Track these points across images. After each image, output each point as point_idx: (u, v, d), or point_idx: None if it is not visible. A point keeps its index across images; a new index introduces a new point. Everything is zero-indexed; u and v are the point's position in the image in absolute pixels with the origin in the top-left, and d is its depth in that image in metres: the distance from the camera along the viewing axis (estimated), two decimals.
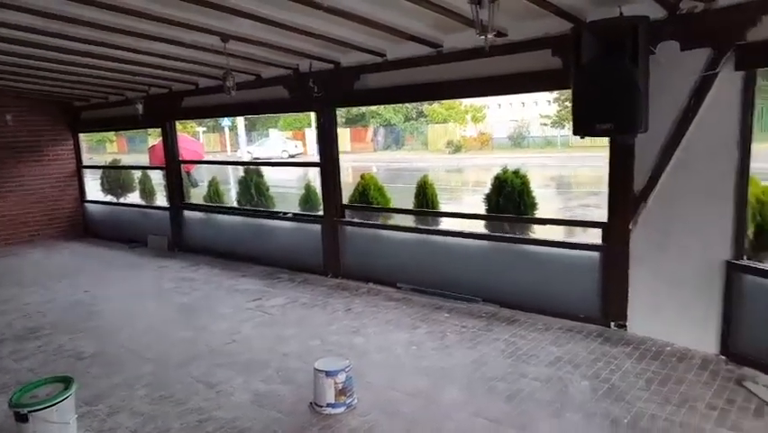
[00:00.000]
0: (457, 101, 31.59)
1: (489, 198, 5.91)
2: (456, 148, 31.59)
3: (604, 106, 3.92)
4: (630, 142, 4.41)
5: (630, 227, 4.58)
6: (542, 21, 4.51)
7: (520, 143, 30.94)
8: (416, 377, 4.15)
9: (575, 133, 4.20)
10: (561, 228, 7.22)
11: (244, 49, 5.65)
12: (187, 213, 8.88)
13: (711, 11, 3.92)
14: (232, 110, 9.06)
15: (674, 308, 4.42)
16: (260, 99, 7.18)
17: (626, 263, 4.65)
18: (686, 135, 4.18)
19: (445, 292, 5.85)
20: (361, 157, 29.07)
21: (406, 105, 33.59)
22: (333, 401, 3.65)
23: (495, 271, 5.56)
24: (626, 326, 4.74)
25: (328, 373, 3.66)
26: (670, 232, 4.38)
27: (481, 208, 6.06)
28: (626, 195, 4.57)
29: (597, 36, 3.92)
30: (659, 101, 4.09)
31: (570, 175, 20.40)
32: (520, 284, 5.39)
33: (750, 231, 4.21)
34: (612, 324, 4.81)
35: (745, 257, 4.12)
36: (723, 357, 4.18)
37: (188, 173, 9.90)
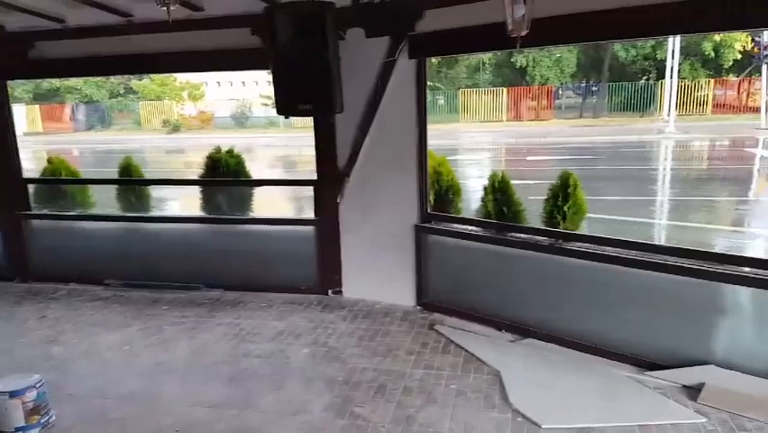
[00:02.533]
0: (171, 77, 29.53)
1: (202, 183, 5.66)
2: (174, 127, 29.61)
3: (302, 88, 4.07)
4: (331, 121, 4.72)
5: (338, 201, 4.93)
6: None
7: (243, 123, 30.60)
8: (130, 379, 3.78)
9: (279, 113, 4.29)
10: (282, 209, 7.47)
11: None
12: None
13: (388, 2, 4.37)
14: None
15: (379, 271, 4.95)
16: None
17: (338, 234, 5.01)
18: (377, 115, 4.64)
19: (162, 284, 5.45)
20: (59, 139, 25.06)
21: (111, 79, 29.98)
22: (23, 424, 3.11)
23: (216, 255, 5.40)
24: (341, 291, 5.13)
25: (12, 394, 3.09)
26: (371, 202, 4.85)
27: (197, 191, 5.78)
28: (332, 171, 4.89)
29: (289, 18, 4.02)
30: (353, 83, 4.43)
31: (295, 155, 21.08)
32: (243, 265, 5.35)
33: (431, 198, 4.93)
34: (330, 291, 5.16)
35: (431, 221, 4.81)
36: (419, 307, 4.85)
37: None
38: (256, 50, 4.55)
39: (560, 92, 27.82)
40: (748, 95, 23.95)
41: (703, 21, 3.37)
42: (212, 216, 5.58)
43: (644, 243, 3.97)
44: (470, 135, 21.97)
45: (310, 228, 5.15)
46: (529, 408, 3.24)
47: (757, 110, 20.97)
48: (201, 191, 5.70)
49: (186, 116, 31.27)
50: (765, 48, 20.79)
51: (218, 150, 5.65)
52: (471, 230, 4.59)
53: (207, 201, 5.73)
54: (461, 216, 4.89)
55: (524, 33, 3.04)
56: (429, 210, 4.77)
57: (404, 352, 4.07)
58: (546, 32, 3.41)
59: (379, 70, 4.53)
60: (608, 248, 3.89)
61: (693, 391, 3.35)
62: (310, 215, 5.21)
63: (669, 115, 20.66)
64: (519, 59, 24.99)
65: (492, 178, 4.55)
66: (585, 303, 3.95)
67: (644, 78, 25.75)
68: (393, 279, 4.91)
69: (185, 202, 10.08)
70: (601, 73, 25.94)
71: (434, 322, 4.56)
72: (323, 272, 5.16)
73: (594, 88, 26.96)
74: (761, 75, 21.35)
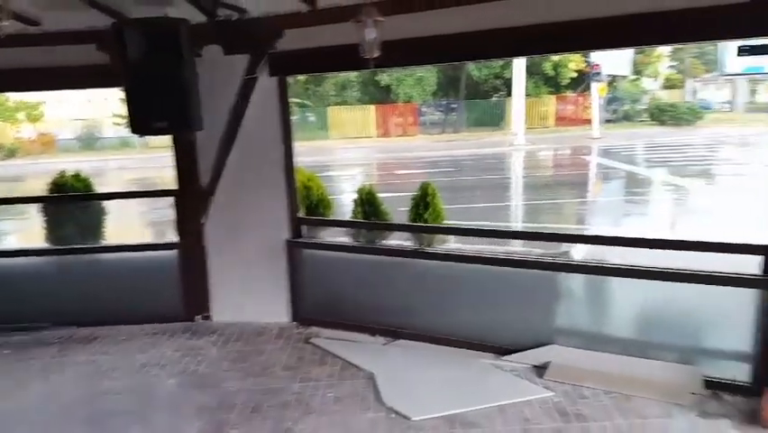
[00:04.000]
0: (3, 95, 26.37)
1: (46, 209, 5.16)
2: (10, 152, 26.38)
3: (157, 105, 3.91)
4: (191, 138, 4.59)
5: (203, 221, 4.79)
6: (83, 13, 4.16)
7: (92, 145, 28.12)
8: None
9: (133, 131, 4.09)
10: (141, 235, 7.03)
11: None
12: None
13: (245, 20, 4.38)
14: None
15: (251, 290, 4.86)
16: None
17: (204, 256, 4.85)
18: (240, 132, 4.60)
19: (5, 326, 4.87)
20: None
21: None
22: None
23: (65, 289, 4.95)
24: (210, 316, 4.96)
25: None
26: (239, 220, 4.77)
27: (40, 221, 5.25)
28: (194, 190, 4.74)
29: (142, 34, 3.88)
30: (213, 100, 4.34)
31: (154, 176, 19.87)
32: (97, 298, 4.93)
33: (302, 213, 4.97)
34: (198, 317, 4.96)
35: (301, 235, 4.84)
36: (295, 323, 4.84)
37: None
38: (102, 67, 4.31)
39: (423, 109, 29.31)
40: (583, 108, 27.04)
41: (534, 46, 3.83)
42: (59, 248, 5.09)
43: (487, 228, 4.42)
44: (341, 151, 22.35)
45: (172, 252, 4.92)
46: (401, 404, 3.42)
47: (590, 122, 23.76)
48: (45, 220, 5.18)
49: (23, 140, 28.03)
50: (594, 67, 23.75)
51: (62, 174, 5.20)
52: (342, 242, 4.72)
53: (53, 231, 5.20)
54: (331, 225, 4.96)
55: (376, 55, 3.24)
56: (300, 225, 4.81)
57: (280, 368, 4.04)
58: (398, 53, 3.62)
59: (240, 87, 4.51)
60: (466, 248, 4.25)
61: (541, 370, 3.76)
62: (172, 238, 4.99)
63: (518, 129, 22.65)
64: (384, 77, 25.96)
65: (360, 191, 4.72)
66: (448, 301, 4.25)
67: (496, 95, 28.03)
68: (266, 297, 4.86)
69: (27, 235, 9.11)
70: (459, 91, 27.76)
71: (311, 336, 4.59)
72: (189, 298, 4.95)
73: (454, 106, 28.76)
74: (591, 91, 24.28)
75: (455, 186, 13.49)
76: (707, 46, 25.35)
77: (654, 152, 19.11)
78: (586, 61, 24.73)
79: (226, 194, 4.74)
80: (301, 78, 22.38)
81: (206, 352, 4.37)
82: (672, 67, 32.86)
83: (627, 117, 28.15)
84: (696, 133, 23.22)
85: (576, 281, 3.92)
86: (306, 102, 26.78)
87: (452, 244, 4.57)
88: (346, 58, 3.48)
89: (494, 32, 3.64)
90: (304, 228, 4.80)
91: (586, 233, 9.47)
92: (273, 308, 4.84)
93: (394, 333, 4.42)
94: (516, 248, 4.63)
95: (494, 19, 3.59)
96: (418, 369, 3.92)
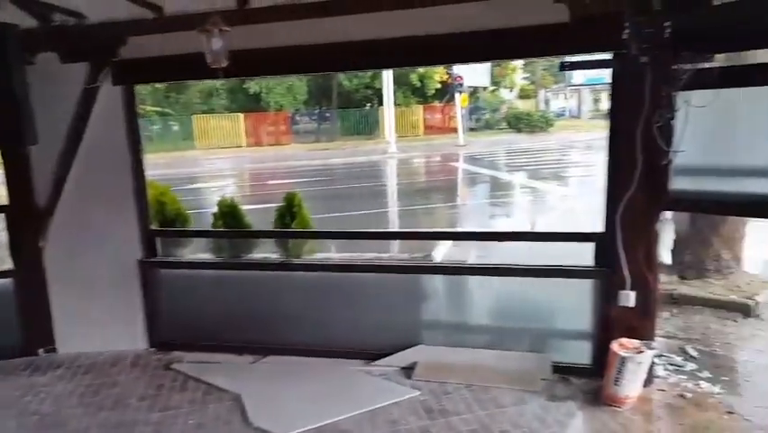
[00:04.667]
0: None
1: None
2: None
3: None
4: (24, 153, 4.11)
5: (41, 244, 4.31)
6: None
7: None
8: None
9: None
10: None
11: None
12: None
13: (84, 26, 4.01)
14: None
15: (102, 317, 4.44)
16: None
17: (44, 283, 4.36)
18: (82, 145, 4.21)
19: None
20: None
21: None
22: None
23: None
24: (55, 348, 4.47)
25: None
26: (84, 241, 4.34)
27: None
28: (29, 210, 4.25)
29: None
30: (49, 111, 3.93)
31: None
32: None
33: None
34: (41, 351, 4.44)
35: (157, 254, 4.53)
36: (153, 349, 4.50)
37: None
38: None
39: (297, 118, 29.06)
40: (449, 118, 28.51)
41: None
42: None
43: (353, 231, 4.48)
44: (210, 162, 21.43)
45: (6, 281, 4.36)
46: (269, 422, 3.32)
47: (456, 130, 25.12)
48: None
49: None
50: (456, 79, 25.19)
51: None
52: (203, 258, 4.49)
53: None
54: (186, 236, 4.71)
55: (224, 65, 3.13)
56: (154, 243, 4.49)
57: (136, 399, 3.74)
58: (248, 64, 3.56)
59: (80, 98, 4.14)
60: (334, 257, 4.26)
61: (410, 371, 3.86)
62: (5, 265, 4.43)
63: (390, 137, 23.29)
64: (252, 85, 25.33)
65: (221, 203, 4.53)
66: (317, 312, 4.21)
67: (369, 104, 28.62)
68: (119, 323, 4.47)
69: None
70: (331, 100, 27.94)
71: (172, 361, 4.30)
72: (29, 330, 4.43)
73: (327, 114, 28.86)
74: (455, 101, 25.71)
75: (330, 195, 13.52)
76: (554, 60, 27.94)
77: (514, 157, 20.66)
78: (449, 73, 26.14)
79: (68, 213, 4.30)
80: (159, 86, 21.18)
81: (51, 388, 3.93)
82: (525, 78, 35.77)
83: (489, 125, 30.14)
84: (549, 138, 25.49)
85: (438, 282, 4.09)
86: (168, 110, 25.25)
87: (321, 254, 4.57)
88: (194, 67, 3.31)
89: (335, 45, 3.69)
90: (159, 247, 4.49)
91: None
92: (127, 335, 4.48)
93: (263, 350, 4.29)
94: (382, 254, 4.72)
95: (334, 33, 3.64)
96: (288, 384, 3.83)
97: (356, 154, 22.47)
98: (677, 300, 5.13)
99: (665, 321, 4.76)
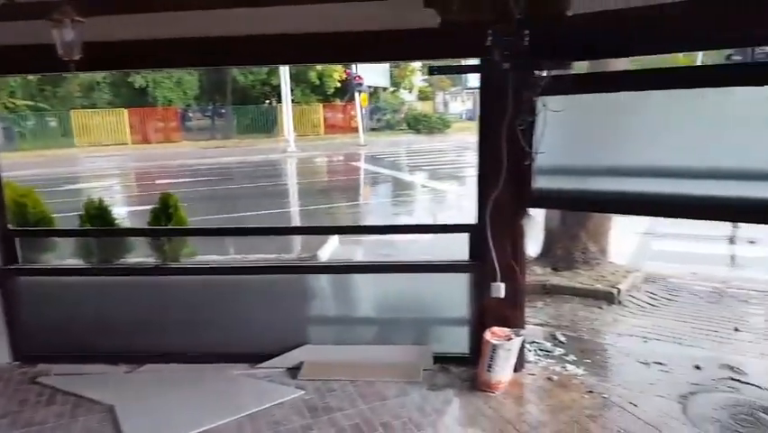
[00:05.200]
0: None
1: None
2: None
3: None
4: None
5: None
6: None
7: None
8: None
9: None
10: None
11: None
12: None
13: None
14: None
15: None
16: None
17: None
18: None
19: None
20: None
21: None
22: None
23: None
24: None
25: None
26: None
27: None
28: None
29: None
30: None
31: None
32: None
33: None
34: None
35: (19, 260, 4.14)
36: (17, 363, 4.13)
37: None
38: None
39: (189, 114, 27.77)
40: (350, 117, 28.63)
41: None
42: None
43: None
44: (91, 161, 19.93)
45: None
46: (144, 432, 3.18)
47: (357, 130, 25.28)
48: None
49: None
50: (356, 79, 25.34)
51: None
52: (70, 264, 4.18)
53: None
54: (47, 235, 4.37)
55: (77, 58, 2.92)
56: (12, 249, 4.10)
57: None
58: (105, 57, 3.36)
59: None
60: (217, 259, 4.13)
61: (296, 371, 3.85)
62: None
63: (290, 136, 22.96)
64: (138, 79, 23.82)
65: (87, 205, 4.23)
66: (198, 316, 4.07)
67: (267, 101, 27.98)
68: None
69: None
70: (226, 96, 26.95)
71: (39, 374, 3.97)
72: None
73: (222, 111, 27.84)
74: (356, 101, 25.86)
75: (223, 195, 13.10)
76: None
77: (414, 157, 21.17)
78: (347, 72, 26.25)
79: None
80: (32, 78, 19.40)
81: None
82: (424, 80, 36.82)
83: (389, 126, 30.70)
84: (446, 139, 26.40)
85: (323, 281, 4.10)
86: (42, 105, 23.07)
87: (203, 257, 4.42)
88: (44, 58, 3.04)
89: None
90: (19, 252, 4.11)
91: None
92: None
93: (139, 359, 4.06)
94: (267, 255, 4.65)
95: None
96: (165, 393, 3.66)
97: (253, 153, 21.94)
98: (549, 291, 5.54)
99: (538, 310, 5.13)
